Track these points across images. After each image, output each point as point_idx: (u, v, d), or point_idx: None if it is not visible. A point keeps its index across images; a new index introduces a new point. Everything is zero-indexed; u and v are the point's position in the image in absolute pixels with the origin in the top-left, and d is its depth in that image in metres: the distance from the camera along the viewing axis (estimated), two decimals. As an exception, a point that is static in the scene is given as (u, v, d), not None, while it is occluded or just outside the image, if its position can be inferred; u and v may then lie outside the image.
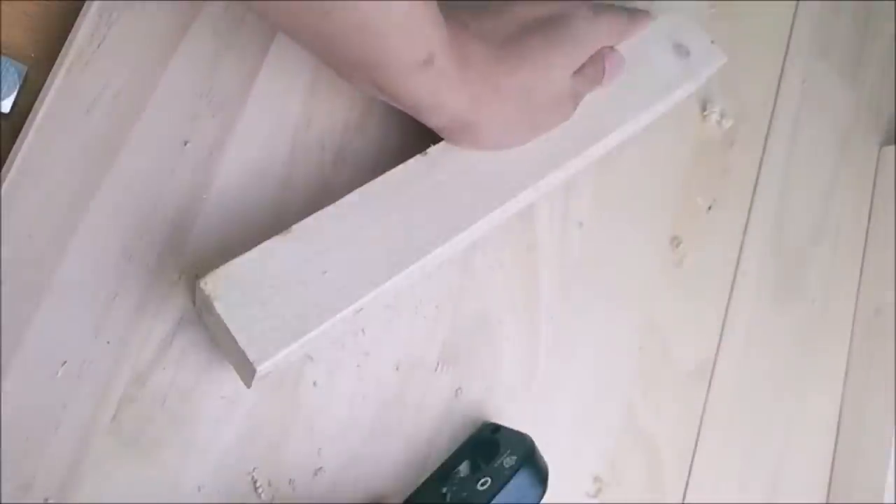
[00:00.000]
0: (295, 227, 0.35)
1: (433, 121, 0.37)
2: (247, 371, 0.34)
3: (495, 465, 0.39)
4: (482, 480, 0.38)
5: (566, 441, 0.47)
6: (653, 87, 0.46)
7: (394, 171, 0.38)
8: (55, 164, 0.35)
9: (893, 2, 0.65)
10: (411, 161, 0.39)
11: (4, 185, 0.34)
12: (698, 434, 0.52)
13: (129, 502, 0.35)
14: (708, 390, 0.52)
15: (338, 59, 0.34)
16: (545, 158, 0.42)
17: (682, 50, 0.47)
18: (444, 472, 0.41)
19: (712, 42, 0.48)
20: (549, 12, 0.40)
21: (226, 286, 0.33)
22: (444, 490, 0.39)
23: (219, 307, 0.33)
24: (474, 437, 0.43)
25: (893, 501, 0.54)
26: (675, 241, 0.52)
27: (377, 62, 0.33)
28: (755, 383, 0.55)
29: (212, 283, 0.33)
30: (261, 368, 0.33)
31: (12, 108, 0.36)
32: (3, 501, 0.33)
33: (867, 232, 0.62)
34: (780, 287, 0.56)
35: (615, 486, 0.48)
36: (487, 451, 0.41)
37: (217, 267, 0.34)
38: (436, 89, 0.35)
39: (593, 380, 0.48)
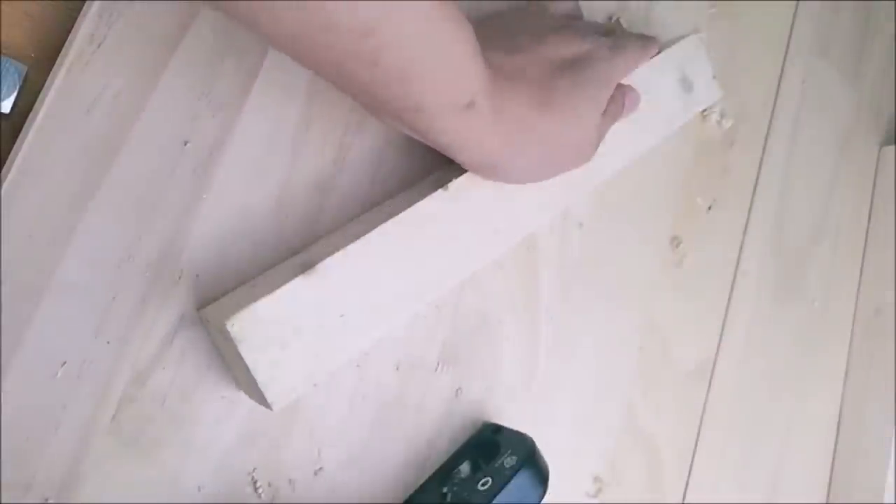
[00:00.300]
0: (317, 266, 0.35)
1: (462, 157, 0.37)
2: (260, 401, 0.35)
3: (496, 465, 0.39)
4: (483, 480, 0.38)
5: (566, 441, 0.47)
6: (657, 122, 0.47)
7: (414, 207, 0.38)
8: (55, 164, 0.35)
9: (893, 1, 0.65)
10: (431, 197, 0.39)
11: (4, 185, 0.34)
12: (698, 434, 0.52)
13: (129, 502, 0.35)
14: (708, 390, 0.52)
15: (378, 103, 0.33)
16: (555, 194, 0.43)
17: (686, 83, 0.47)
18: (445, 472, 0.41)
19: (714, 77, 0.48)
20: (574, 54, 0.41)
21: (251, 329, 0.34)
22: (445, 490, 0.39)
23: (243, 350, 0.34)
24: (475, 438, 0.43)
25: (893, 501, 0.54)
26: (676, 242, 0.52)
27: (417, 105, 0.32)
28: (755, 383, 0.55)
29: (238, 326, 0.33)
30: (277, 409, 0.34)
31: (12, 108, 0.36)
32: (3, 501, 0.33)
33: (867, 232, 0.62)
34: (780, 287, 0.56)
35: (615, 486, 0.48)
36: (488, 452, 0.40)
37: (221, 269, 0.34)
38: (470, 131, 0.35)
39: (593, 380, 0.48)
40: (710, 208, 0.53)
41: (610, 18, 0.50)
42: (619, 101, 0.43)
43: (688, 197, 0.52)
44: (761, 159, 0.56)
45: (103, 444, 0.35)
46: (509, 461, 0.39)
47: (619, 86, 0.44)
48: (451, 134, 0.35)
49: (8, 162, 0.34)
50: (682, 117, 0.47)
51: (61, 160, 0.35)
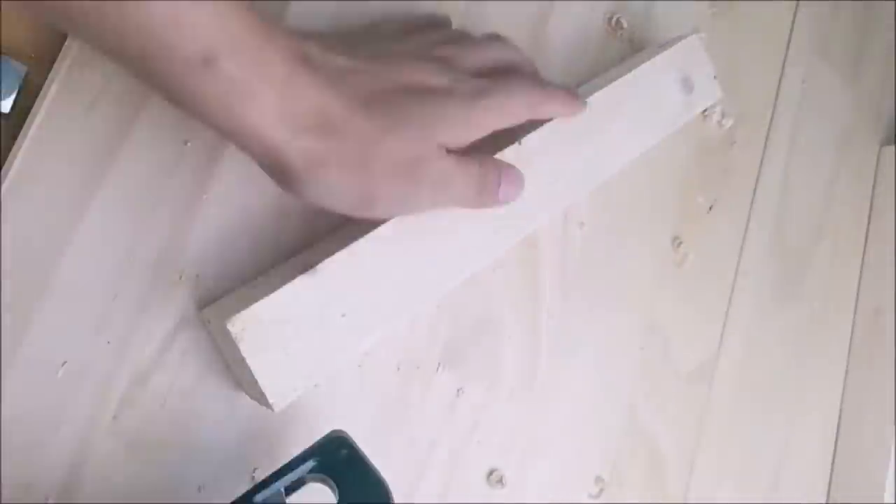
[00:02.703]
0: (319, 266, 0.35)
1: (244, 145, 0.31)
2: (260, 402, 0.35)
3: None
4: None
5: (567, 442, 0.47)
6: (657, 122, 0.46)
7: None
8: (55, 164, 0.35)
9: (893, 2, 0.65)
10: None
11: (4, 185, 0.34)
12: (699, 434, 0.52)
13: (129, 502, 0.35)
14: (709, 390, 0.52)
15: (95, 39, 0.28)
16: (555, 194, 0.42)
17: (687, 84, 0.47)
18: (264, 497, 0.34)
19: (714, 77, 0.48)
20: (423, 83, 0.34)
21: (252, 329, 0.34)
22: None
23: (244, 350, 0.34)
24: (321, 448, 0.35)
25: (893, 501, 0.54)
26: (676, 242, 0.52)
27: (140, 49, 0.27)
28: (755, 383, 0.55)
29: (239, 326, 0.33)
30: (278, 410, 0.34)
31: (12, 108, 0.36)
32: (3, 501, 0.33)
33: (867, 232, 0.62)
34: (780, 287, 0.56)
35: (616, 487, 0.48)
36: (336, 483, 0.34)
37: (221, 269, 0.34)
38: (225, 100, 0.29)
39: (594, 380, 0.48)
40: (710, 208, 0.53)
41: (610, 19, 0.50)
42: (488, 168, 0.37)
43: (688, 197, 0.52)
44: (761, 159, 0.56)
45: (104, 445, 0.35)
46: None
47: (499, 161, 0.38)
48: (201, 100, 0.29)
49: (8, 162, 0.34)
50: (683, 117, 0.47)
51: (61, 160, 0.35)
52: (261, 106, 0.29)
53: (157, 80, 0.29)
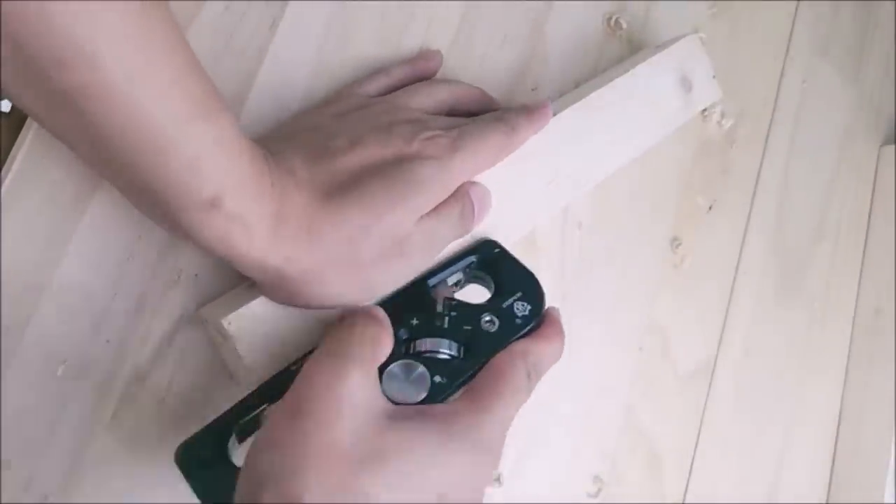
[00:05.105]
0: None
1: (245, 272, 0.32)
2: None
3: (503, 304, 0.35)
4: (488, 318, 0.34)
5: (567, 441, 0.47)
6: (657, 122, 0.46)
7: None
8: (55, 164, 0.35)
9: (893, 2, 0.65)
10: None
11: (4, 185, 0.34)
12: (698, 434, 0.52)
13: (129, 502, 0.35)
14: (708, 390, 0.52)
15: (108, 172, 0.30)
16: (555, 194, 0.42)
17: (686, 84, 0.47)
18: (435, 275, 0.37)
19: (714, 77, 0.48)
20: (396, 154, 0.35)
21: (248, 327, 0.34)
22: (441, 309, 0.35)
23: (240, 348, 0.34)
24: (474, 251, 0.38)
25: (893, 501, 0.54)
26: (676, 242, 0.52)
27: (154, 189, 0.28)
28: (755, 383, 0.55)
29: (235, 324, 0.34)
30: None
31: (12, 107, 0.36)
32: (3, 501, 0.33)
33: (867, 232, 0.62)
34: (780, 287, 0.56)
35: (615, 487, 0.48)
36: (491, 273, 0.37)
37: (219, 269, 0.34)
38: (227, 236, 0.30)
39: (593, 380, 0.48)
40: (710, 208, 0.53)
41: (609, 19, 0.50)
42: (465, 202, 0.37)
43: (688, 197, 0.52)
44: (761, 159, 0.56)
45: (103, 443, 0.35)
46: (520, 308, 0.35)
47: (466, 184, 0.38)
48: (203, 236, 0.30)
49: (8, 162, 0.34)
50: (682, 117, 0.47)
51: (61, 160, 0.35)
52: (258, 237, 0.31)
53: (166, 217, 0.30)
